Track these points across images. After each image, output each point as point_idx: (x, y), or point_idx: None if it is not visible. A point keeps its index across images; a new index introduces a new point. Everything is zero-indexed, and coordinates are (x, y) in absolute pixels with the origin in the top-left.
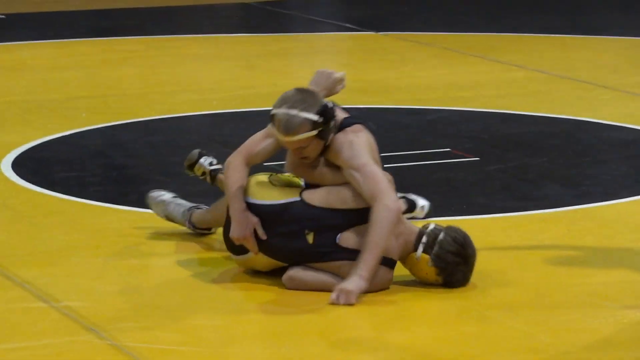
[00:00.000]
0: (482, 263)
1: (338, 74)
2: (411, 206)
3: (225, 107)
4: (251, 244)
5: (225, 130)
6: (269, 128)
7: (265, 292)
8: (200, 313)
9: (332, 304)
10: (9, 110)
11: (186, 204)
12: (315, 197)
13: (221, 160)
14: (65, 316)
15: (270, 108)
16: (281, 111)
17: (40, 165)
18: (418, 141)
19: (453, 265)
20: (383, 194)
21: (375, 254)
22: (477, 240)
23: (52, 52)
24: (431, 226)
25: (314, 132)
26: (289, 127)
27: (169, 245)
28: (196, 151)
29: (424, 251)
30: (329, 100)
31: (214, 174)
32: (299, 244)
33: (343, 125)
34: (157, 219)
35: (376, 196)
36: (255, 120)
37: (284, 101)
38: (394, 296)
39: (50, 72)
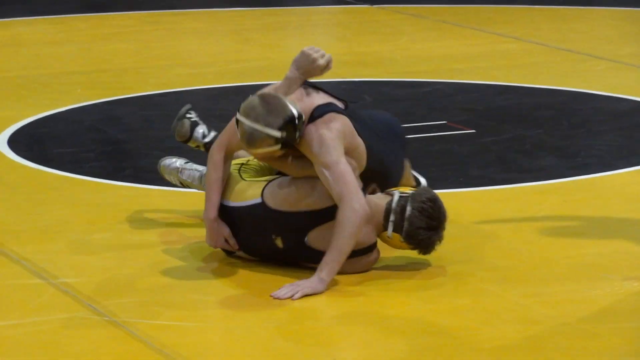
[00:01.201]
0: (478, 235)
1: (322, 61)
2: (417, 183)
3: (220, 81)
4: (228, 247)
5: (221, 104)
6: None
7: (263, 269)
8: (198, 288)
9: (277, 297)
10: (4, 86)
11: (200, 167)
12: (276, 199)
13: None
14: (62, 292)
15: (265, 82)
16: (245, 123)
17: (35, 141)
18: (413, 114)
19: (426, 239)
20: (350, 196)
21: (338, 258)
22: (473, 212)
23: (46, 27)
24: (395, 197)
25: (277, 147)
26: (251, 141)
27: (165, 221)
28: (187, 126)
29: (394, 230)
30: (295, 105)
31: (208, 146)
32: (271, 248)
33: (314, 117)
34: (153, 194)
35: (343, 198)
36: (251, 94)
37: (248, 111)
38: (389, 271)
39: (45, 48)
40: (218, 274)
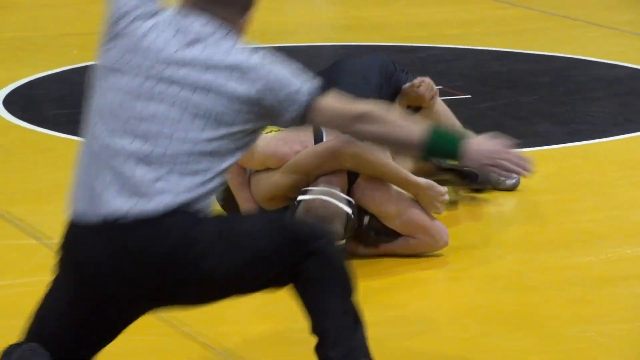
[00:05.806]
0: (471, 200)
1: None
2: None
3: None
4: None
5: None
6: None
7: None
8: None
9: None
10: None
11: None
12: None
13: None
14: None
15: (261, 45)
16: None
17: (31, 103)
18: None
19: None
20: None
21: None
22: None
23: None
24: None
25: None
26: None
27: None
28: None
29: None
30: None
31: None
32: None
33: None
34: None
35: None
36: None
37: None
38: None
39: (41, 9)
40: None
